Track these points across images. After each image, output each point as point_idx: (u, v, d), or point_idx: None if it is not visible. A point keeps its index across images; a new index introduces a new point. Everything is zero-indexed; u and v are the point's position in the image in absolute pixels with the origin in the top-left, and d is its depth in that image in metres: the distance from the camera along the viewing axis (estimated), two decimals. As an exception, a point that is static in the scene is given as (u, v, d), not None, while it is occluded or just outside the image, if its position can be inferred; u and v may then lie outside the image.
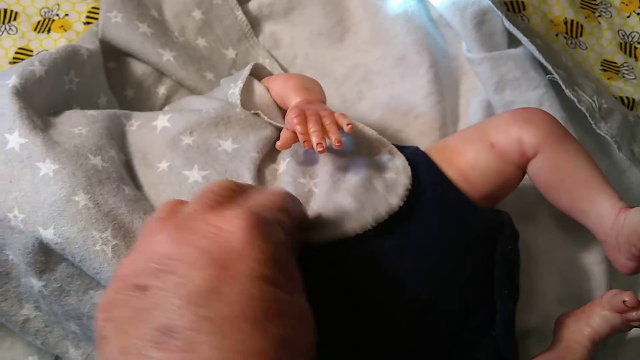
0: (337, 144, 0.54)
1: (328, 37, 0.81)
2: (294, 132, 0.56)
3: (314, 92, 0.65)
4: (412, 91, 0.77)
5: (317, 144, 0.53)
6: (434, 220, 0.56)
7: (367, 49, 0.80)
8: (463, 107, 0.78)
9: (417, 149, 0.63)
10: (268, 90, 0.66)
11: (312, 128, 0.55)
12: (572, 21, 0.86)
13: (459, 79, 0.80)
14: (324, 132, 0.55)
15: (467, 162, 0.60)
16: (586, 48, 0.86)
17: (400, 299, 0.52)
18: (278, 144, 0.57)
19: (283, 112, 0.66)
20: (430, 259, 0.54)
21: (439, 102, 0.76)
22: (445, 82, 0.78)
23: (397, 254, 0.53)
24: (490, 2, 0.75)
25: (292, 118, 0.56)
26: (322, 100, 0.65)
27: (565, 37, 0.86)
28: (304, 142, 0.54)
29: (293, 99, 0.63)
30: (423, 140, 0.74)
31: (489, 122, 0.63)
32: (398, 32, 0.79)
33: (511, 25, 0.75)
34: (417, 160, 0.60)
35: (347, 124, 0.55)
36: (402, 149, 0.62)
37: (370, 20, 0.81)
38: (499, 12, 0.74)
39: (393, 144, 0.63)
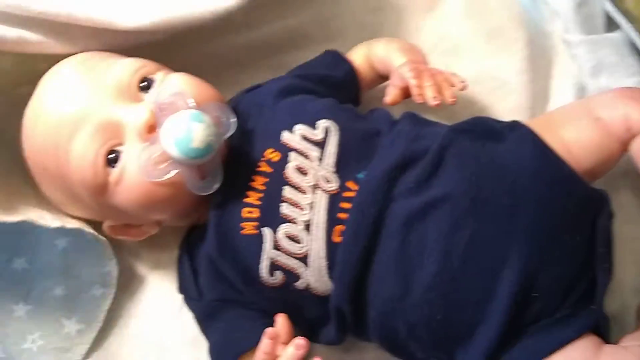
0: (451, 100, 0.56)
1: (417, 4, 0.79)
2: (403, 89, 0.58)
3: (418, 54, 0.66)
4: (504, 67, 0.75)
5: (433, 97, 0.56)
6: (541, 189, 0.55)
7: (459, 20, 0.78)
8: (554, 88, 0.76)
9: (517, 122, 0.62)
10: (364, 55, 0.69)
11: (427, 82, 0.57)
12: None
13: (552, 59, 0.77)
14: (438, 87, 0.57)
15: (571, 136, 0.59)
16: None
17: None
18: (387, 99, 0.59)
19: (378, 75, 0.68)
20: (538, 226, 0.54)
21: (531, 81, 0.74)
22: (538, 61, 0.76)
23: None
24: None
25: (406, 71, 0.58)
26: (426, 62, 0.66)
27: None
28: (417, 95, 0.56)
29: (399, 59, 0.64)
30: (512, 117, 0.71)
31: (594, 98, 0.63)
32: (495, 5, 0.77)
33: (613, 8, 0.73)
34: (521, 132, 0.59)
35: (462, 81, 0.57)
36: (499, 122, 0.62)
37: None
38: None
39: (491, 118, 0.62)
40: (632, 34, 0.73)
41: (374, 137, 0.59)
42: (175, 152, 0.52)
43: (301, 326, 0.59)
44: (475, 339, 0.53)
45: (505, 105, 0.74)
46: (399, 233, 0.54)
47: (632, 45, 0.74)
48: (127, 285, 0.70)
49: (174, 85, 0.58)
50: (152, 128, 0.55)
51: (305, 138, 0.58)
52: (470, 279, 0.53)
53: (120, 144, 0.57)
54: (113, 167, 0.57)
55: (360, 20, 0.79)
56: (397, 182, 0.55)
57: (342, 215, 0.55)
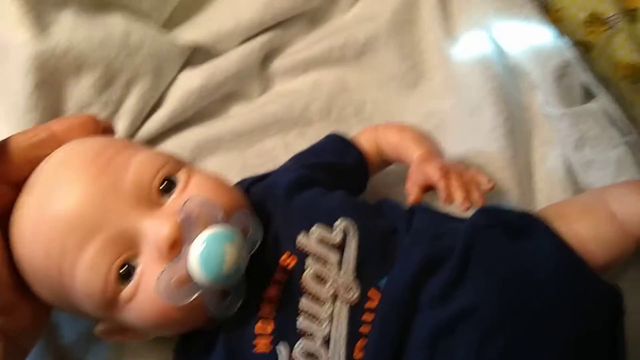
0: (481, 201, 0.54)
1: (401, 81, 0.79)
2: (426, 187, 0.57)
3: (434, 143, 0.64)
4: (486, 144, 0.74)
5: (462, 201, 0.54)
6: (568, 296, 0.53)
7: (441, 96, 0.78)
8: (537, 161, 0.75)
9: (532, 216, 0.60)
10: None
11: (455, 183, 0.55)
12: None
13: (530, 131, 0.77)
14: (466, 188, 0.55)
15: (587, 232, 0.58)
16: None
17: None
18: (411, 199, 0.57)
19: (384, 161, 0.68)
20: (569, 333, 0.52)
21: (513, 157, 0.73)
22: (517, 134, 0.76)
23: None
24: (573, 55, 0.73)
25: (432, 171, 0.57)
26: (442, 152, 0.64)
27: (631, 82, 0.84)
28: (445, 197, 0.55)
29: (416, 150, 0.63)
30: (502, 198, 0.71)
31: (607, 191, 0.62)
32: (474, 80, 0.76)
33: (592, 80, 0.74)
34: (542, 231, 0.58)
35: (489, 181, 0.56)
36: (514, 213, 0.61)
37: (446, 66, 0.78)
38: (583, 66, 0.73)
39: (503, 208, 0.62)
40: (611, 106, 0.73)
41: (391, 236, 0.57)
42: (203, 277, 0.47)
43: None
44: None
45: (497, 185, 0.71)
46: (425, 350, 0.51)
47: (610, 116, 0.74)
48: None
49: (199, 192, 0.52)
50: (176, 244, 0.49)
51: (322, 241, 0.55)
52: None
53: (134, 256, 0.51)
54: (125, 282, 0.51)
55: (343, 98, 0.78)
56: (422, 290, 0.52)
57: (364, 329, 0.52)
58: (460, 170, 0.58)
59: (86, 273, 0.50)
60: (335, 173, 0.63)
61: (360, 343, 0.51)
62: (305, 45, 0.80)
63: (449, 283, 0.52)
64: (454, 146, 0.75)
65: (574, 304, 0.53)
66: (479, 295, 0.52)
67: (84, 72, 0.69)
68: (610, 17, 0.81)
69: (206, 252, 0.47)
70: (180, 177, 0.53)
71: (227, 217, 0.49)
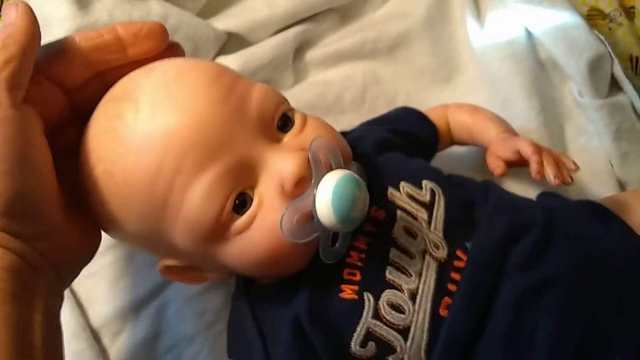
0: (569, 180, 0.57)
1: (433, 76, 0.79)
2: (511, 162, 0.61)
3: (509, 124, 0.67)
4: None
5: (555, 176, 0.56)
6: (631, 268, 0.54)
7: (473, 91, 0.78)
8: (573, 154, 0.74)
9: (602, 206, 0.61)
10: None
11: (547, 159, 0.58)
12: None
13: (564, 124, 0.77)
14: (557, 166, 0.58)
15: None
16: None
17: None
18: (498, 172, 0.61)
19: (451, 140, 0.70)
20: None
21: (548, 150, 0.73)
22: (551, 127, 0.75)
23: None
24: (605, 47, 0.74)
25: (526, 146, 0.59)
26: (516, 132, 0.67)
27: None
28: (537, 172, 0.57)
29: (494, 129, 0.65)
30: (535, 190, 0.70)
31: None
32: (506, 74, 0.76)
33: (621, 72, 0.74)
34: (606, 211, 0.59)
35: (574, 162, 0.59)
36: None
37: (477, 61, 0.79)
38: (614, 57, 0.74)
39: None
40: (636, 99, 0.75)
41: (470, 205, 0.56)
42: (331, 218, 0.45)
43: None
44: None
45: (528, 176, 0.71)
46: (512, 311, 0.50)
47: (638, 108, 0.75)
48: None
49: (323, 136, 0.49)
50: (301, 181, 0.47)
51: (412, 197, 0.54)
52: None
53: (251, 187, 0.48)
54: (239, 213, 0.47)
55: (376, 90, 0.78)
56: (508, 255, 0.52)
57: (451, 287, 0.50)
58: (549, 148, 0.60)
59: (201, 197, 0.46)
60: (413, 143, 0.63)
61: (446, 301, 0.50)
62: (338, 38, 0.80)
63: (535, 250, 0.52)
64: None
65: None
66: (564, 264, 0.51)
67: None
68: (610, 12, 0.84)
69: (339, 194, 0.45)
70: (297, 117, 0.51)
71: (346, 165, 0.48)
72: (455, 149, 0.73)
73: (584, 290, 0.51)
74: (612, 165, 0.74)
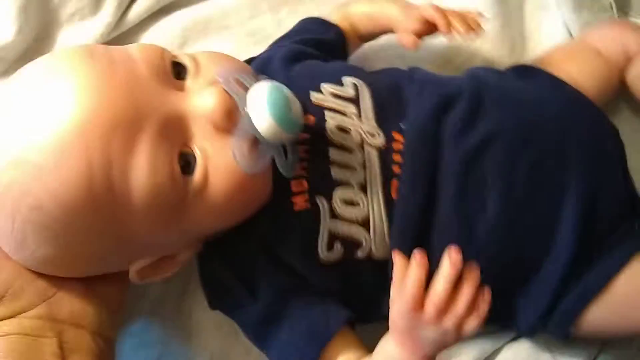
0: (478, 28, 0.57)
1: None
2: (419, 32, 0.58)
3: (405, 1, 0.64)
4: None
5: (465, 29, 0.56)
6: (580, 115, 0.57)
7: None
8: (532, 28, 0.71)
9: (525, 65, 0.64)
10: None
11: (452, 15, 0.57)
12: None
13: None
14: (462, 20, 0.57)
15: (575, 69, 0.61)
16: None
17: None
18: (410, 45, 0.59)
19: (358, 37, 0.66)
20: (589, 148, 0.55)
21: (503, 26, 0.70)
22: (508, 3, 0.71)
23: None
24: None
25: (426, 10, 0.58)
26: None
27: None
28: (445, 28, 0.56)
29: (393, 9, 0.62)
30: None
31: (590, 35, 0.66)
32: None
33: None
34: (532, 68, 0.62)
35: (480, 13, 0.59)
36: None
37: None
38: None
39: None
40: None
41: (397, 89, 0.57)
42: (273, 126, 0.44)
43: (359, 305, 0.54)
44: (544, 271, 0.54)
45: (483, 56, 0.69)
46: (457, 175, 0.52)
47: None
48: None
49: (223, 64, 0.48)
50: (230, 112, 0.45)
51: (336, 96, 0.54)
52: (535, 210, 0.53)
53: (186, 143, 0.45)
54: (190, 173, 0.45)
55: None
56: (442, 125, 0.53)
57: (396, 169, 0.52)
58: (451, 8, 0.59)
59: (146, 174, 0.43)
60: (323, 48, 0.62)
61: (394, 184, 0.52)
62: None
63: (467, 115, 0.54)
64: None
65: (589, 122, 0.57)
66: (497, 122, 0.54)
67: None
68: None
69: (272, 101, 0.44)
70: (186, 59, 0.48)
71: (256, 81, 0.47)
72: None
73: (523, 140, 0.53)
74: (571, 35, 0.70)
